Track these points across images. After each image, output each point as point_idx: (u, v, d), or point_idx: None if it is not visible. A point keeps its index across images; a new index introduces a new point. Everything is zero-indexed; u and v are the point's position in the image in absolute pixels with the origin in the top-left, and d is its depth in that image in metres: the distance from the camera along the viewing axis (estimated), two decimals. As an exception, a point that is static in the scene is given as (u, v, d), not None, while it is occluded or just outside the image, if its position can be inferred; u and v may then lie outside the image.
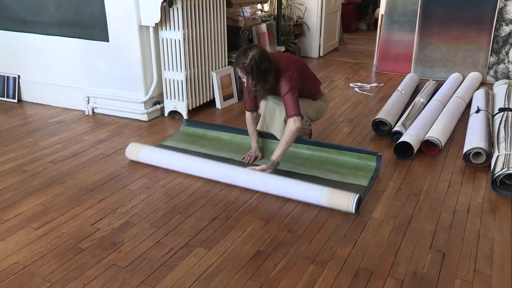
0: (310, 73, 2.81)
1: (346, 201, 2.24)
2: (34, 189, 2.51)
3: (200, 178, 2.61)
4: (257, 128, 2.85)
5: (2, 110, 3.81)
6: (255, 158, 2.79)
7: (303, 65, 2.76)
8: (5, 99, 4.05)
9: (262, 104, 2.81)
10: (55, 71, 3.81)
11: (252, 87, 2.56)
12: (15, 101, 4.01)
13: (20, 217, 2.24)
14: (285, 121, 2.65)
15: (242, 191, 2.48)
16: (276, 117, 2.74)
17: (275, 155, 2.57)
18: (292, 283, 1.79)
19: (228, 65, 4.00)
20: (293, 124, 2.52)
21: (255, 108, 2.85)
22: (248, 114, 2.86)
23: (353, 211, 2.23)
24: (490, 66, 4.61)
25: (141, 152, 2.78)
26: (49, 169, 2.76)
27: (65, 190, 2.50)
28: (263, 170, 2.56)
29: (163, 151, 2.79)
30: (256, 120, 2.87)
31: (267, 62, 2.48)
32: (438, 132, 2.98)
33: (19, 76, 4.00)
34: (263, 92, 2.57)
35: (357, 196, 2.25)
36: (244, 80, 2.56)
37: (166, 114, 3.68)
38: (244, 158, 2.81)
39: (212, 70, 3.80)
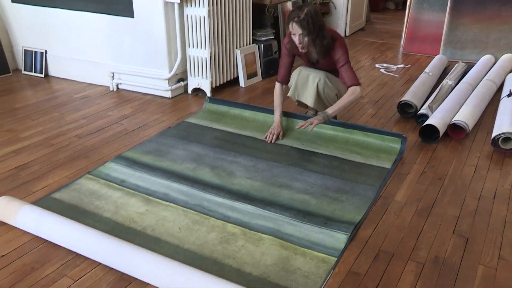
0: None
1: None
2: (60, 163, 2.57)
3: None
4: (288, 95, 2.86)
5: (30, 85, 3.89)
6: (277, 136, 2.78)
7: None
8: (32, 73, 4.13)
9: (295, 73, 2.79)
10: (81, 47, 3.85)
11: (306, 45, 2.54)
12: (42, 75, 4.08)
13: (47, 189, 2.29)
14: (318, 88, 2.69)
15: (264, 170, 2.47)
16: (309, 85, 2.73)
17: (331, 109, 2.62)
18: (311, 263, 1.79)
19: (253, 43, 3.96)
20: (359, 92, 2.61)
21: (286, 80, 2.85)
22: (277, 86, 2.85)
23: None
24: (525, 48, 4.42)
25: (18, 216, 1.95)
26: (75, 143, 2.81)
27: (90, 164, 2.55)
28: (310, 122, 2.59)
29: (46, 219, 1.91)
30: (284, 93, 2.88)
31: (321, 19, 2.51)
32: (465, 116, 2.90)
33: (46, 51, 4.05)
34: (321, 49, 2.56)
35: None
36: (296, 38, 2.53)
37: (189, 91, 3.68)
38: (266, 137, 2.80)
39: (236, 48, 3.78)
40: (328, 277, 1.71)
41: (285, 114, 2.93)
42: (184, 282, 1.57)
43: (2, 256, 1.81)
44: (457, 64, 4.01)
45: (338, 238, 1.91)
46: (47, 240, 1.89)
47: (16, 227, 1.97)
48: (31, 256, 1.81)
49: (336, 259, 1.80)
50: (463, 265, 1.79)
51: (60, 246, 1.85)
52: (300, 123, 2.64)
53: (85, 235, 1.80)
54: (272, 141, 2.77)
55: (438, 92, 3.32)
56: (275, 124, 2.83)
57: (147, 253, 1.69)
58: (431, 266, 1.78)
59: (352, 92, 2.62)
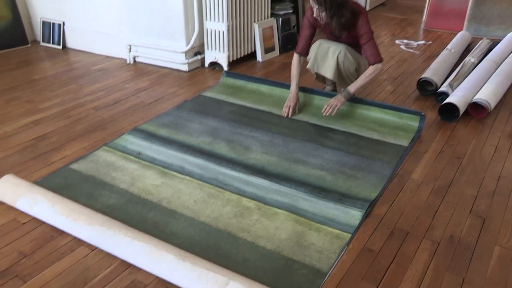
0: None
1: None
2: (77, 134, 2.60)
3: (238, 130, 2.61)
4: (307, 67, 2.82)
5: (48, 56, 3.91)
6: (293, 109, 2.76)
7: None
8: (50, 45, 4.14)
9: (315, 45, 2.75)
10: (98, 19, 3.84)
11: (325, 20, 2.51)
12: (60, 47, 4.09)
13: (64, 160, 2.33)
14: (338, 61, 2.66)
15: (280, 146, 2.46)
16: (329, 57, 2.69)
17: (353, 87, 2.62)
18: (325, 238, 1.80)
19: (271, 16, 3.90)
20: (381, 68, 2.61)
21: (305, 52, 2.81)
22: (295, 57, 2.82)
23: None
24: (554, 24, 4.26)
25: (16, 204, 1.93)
26: (92, 115, 2.83)
27: (107, 136, 2.57)
28: (335, 104, 2.58)
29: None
30: (302, 66, 2.85)
31: None
32: (488, 94, 2.83)
33: (63, 23, 4.05)
34: (339, 26, 2.54)
35: None
36: (315, 11, 2.51)
37: (206, 65, 3.66)
38: (283, 112, 2.78)
39: (254, 22, 3.72)
40: (342, 253, 1.71)
41: (302, 89, 2.90)
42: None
43: (23, 223, 1.85)
44: (481, 41, 3.89)
45: (353, 215, 1.91)
46: (65, 210, 1.92)
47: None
48: (50, 225, 1.85)
49: (350, 235, 1.80)
50: (479, 245, 1.77)
51: (78, 216, 1.88)
52: (326, 106, 2.62)
53: (77, 229, 1.77)
54: (289, 115, 2.75)
55: (460, 70, 3.23)
56: (291, 94, 2.80)
57: (137, 244, 1.65)
58: (446, 245, 1.77)
59: (374, 70, 2.59)
